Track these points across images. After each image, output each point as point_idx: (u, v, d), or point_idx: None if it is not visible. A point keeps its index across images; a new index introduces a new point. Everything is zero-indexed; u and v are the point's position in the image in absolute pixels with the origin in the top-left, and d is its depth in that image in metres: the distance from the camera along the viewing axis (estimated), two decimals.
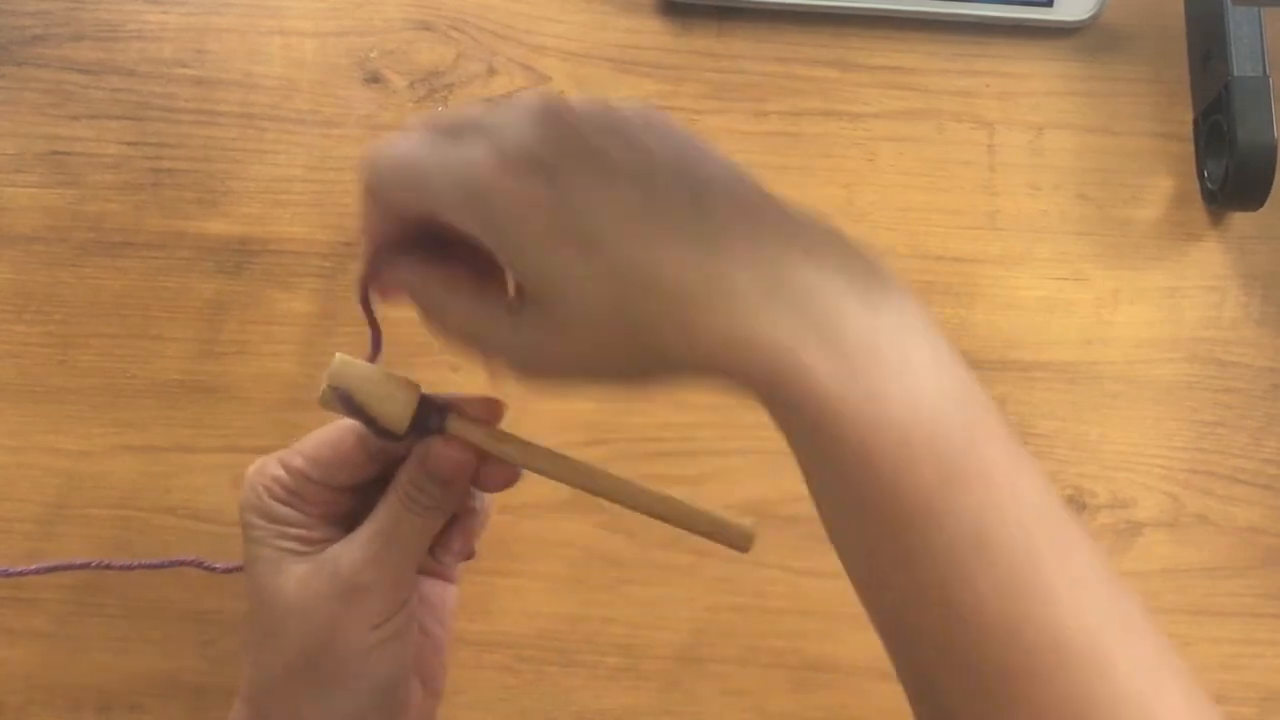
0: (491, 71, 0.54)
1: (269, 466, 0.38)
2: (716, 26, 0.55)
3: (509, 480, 0.38)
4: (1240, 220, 0.54)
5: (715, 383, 0.30)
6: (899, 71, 0.55)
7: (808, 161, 0.54)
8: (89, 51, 0.53)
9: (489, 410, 0.38)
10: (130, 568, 0.45)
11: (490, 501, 0.42)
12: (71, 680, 0.47)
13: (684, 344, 0.30)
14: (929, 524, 0.28)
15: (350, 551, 0.37)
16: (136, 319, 0.51)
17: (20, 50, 0.53)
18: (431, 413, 0.36)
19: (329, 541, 0.38)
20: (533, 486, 0.49)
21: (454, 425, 0.37)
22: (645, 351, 0.31)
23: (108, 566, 0.45)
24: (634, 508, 0.37)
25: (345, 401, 0.36)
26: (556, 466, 0.37)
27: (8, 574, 0.45)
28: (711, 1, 0.55)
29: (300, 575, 0.37)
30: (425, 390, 0.37)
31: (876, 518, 0.28)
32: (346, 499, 0.39)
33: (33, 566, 0.45)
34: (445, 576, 0.43)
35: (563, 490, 0.49)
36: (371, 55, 0.54)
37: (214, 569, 0.44)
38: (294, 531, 0.38)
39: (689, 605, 0.49)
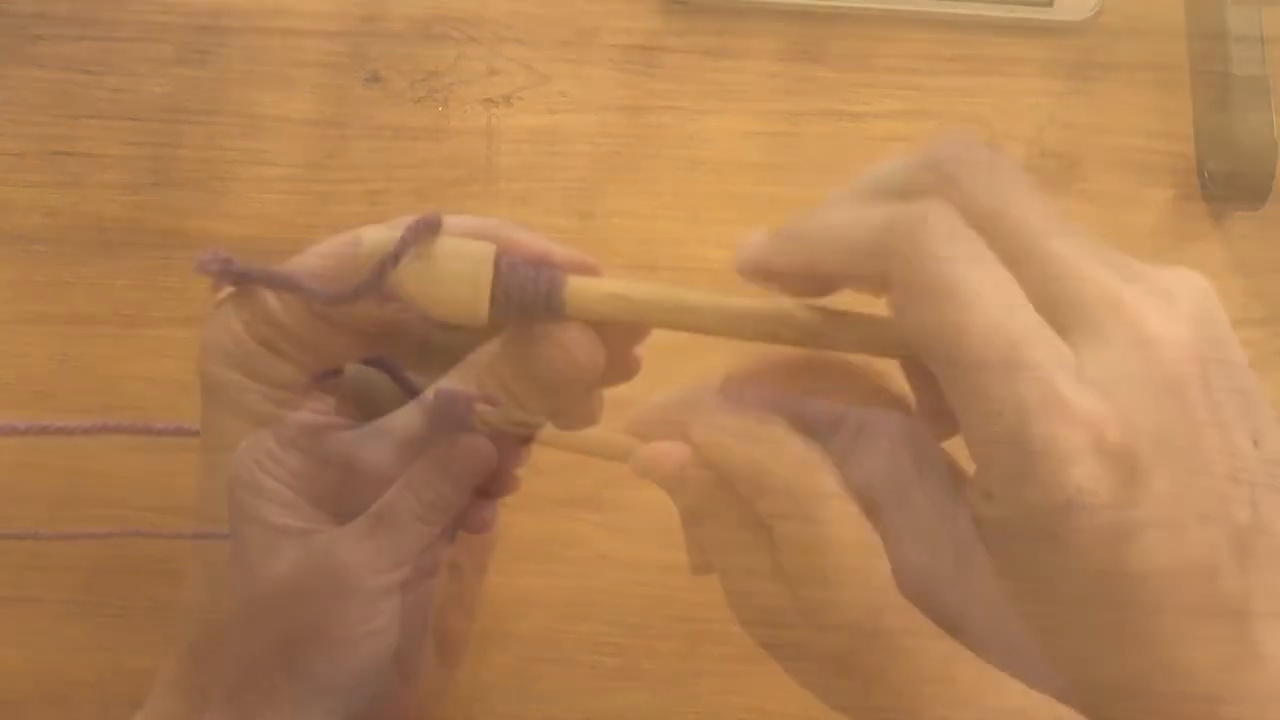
0: (492, 71, 0.54)
1: (260, 439, 0.36)
2: (716, 26, 0.55)
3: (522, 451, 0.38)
4: (1240, 220, 0.54)
5: None
6: (899, 71, 0.55)
7: (808, 161, 0.54)
8: (89, 51, 0.53)
9: (589, 266, 0.32)
10: (158, 535, 0.45)
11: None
12: (72, 680, 0.47)
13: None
14: None
15: (346, 549, 0.36)
16: (136, 319, 0.51)
17: (21, 50, 0.53)
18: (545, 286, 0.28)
19: (314, 531, 0.36)
20: (532, 486, 0.49)
21: (573, 292, 0.29)
22: None
23: (137, 534, 0.46)
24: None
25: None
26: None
27: (36, 536, 0.46)
28: (711, 1, 0.55)
29: (292, 560, 0.36)
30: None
31: None
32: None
33: (57, 532, 0.46)
34: (478, 528, 0.40)
35: (563, 490, 0.49)
36: (371, 55, 0.54)
37: None
38: (280, 512, 0.36)
39: (689, 605, 0.49)
